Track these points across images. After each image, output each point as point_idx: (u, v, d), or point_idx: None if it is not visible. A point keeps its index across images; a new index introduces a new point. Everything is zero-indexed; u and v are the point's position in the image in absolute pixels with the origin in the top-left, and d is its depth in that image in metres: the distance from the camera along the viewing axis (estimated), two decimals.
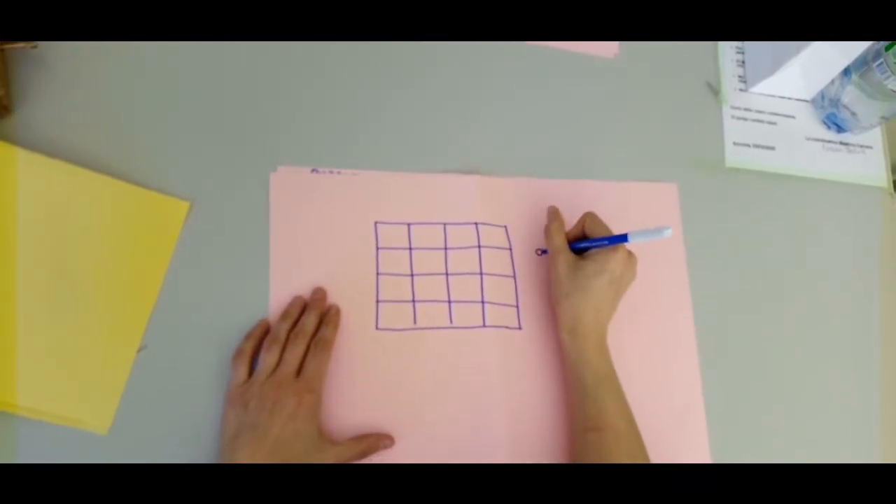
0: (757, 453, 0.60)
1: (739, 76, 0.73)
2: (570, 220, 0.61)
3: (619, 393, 0.53)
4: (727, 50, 0.74)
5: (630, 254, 0.55)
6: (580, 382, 0.52)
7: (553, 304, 0.56)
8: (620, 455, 0.49)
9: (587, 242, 0.56)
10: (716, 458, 0.59)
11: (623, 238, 0.53)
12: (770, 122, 0.72)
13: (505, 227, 0.61)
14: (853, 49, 0.65)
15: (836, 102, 0.71)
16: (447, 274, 0.58)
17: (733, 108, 0.72)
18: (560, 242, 0.56)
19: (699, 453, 0.59)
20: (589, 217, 0.57)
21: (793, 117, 0.73)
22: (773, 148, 0.71)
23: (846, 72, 0.68)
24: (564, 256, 0.55)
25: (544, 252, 0.61)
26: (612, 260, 0.53)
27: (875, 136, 0.74)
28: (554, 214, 0.59)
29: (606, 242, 0.54)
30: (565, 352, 0.54)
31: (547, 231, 0.58)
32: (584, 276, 0.53)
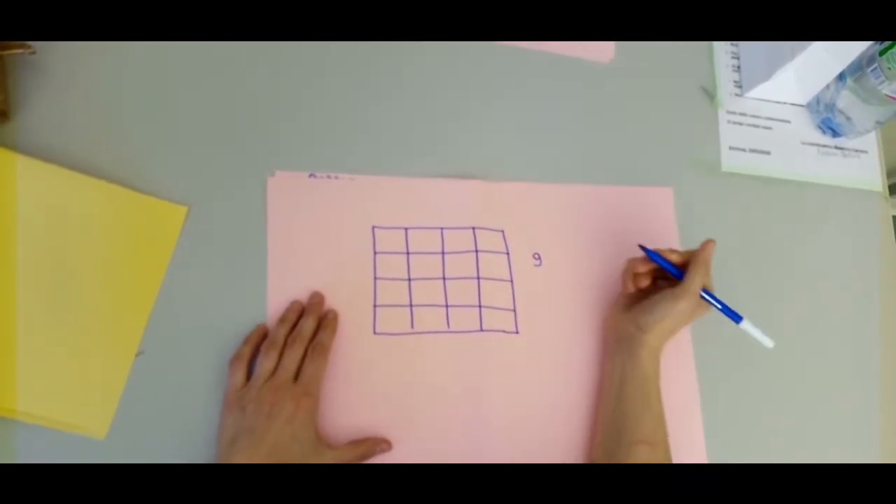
0: (754, 456, 0.60)
1: (735, 81, 0.74)
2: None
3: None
4: (722, 55, 0.75)
5: None
6: (649, 397, 0.53)
7: (646, 322, 0.54)
8: None
9: (711, 298, 0.55)
10: (713, 460, 0.59)
11: (737, 317, 0.55)
12: (765, 127, 0.73)
13: (502, 231, 0.61)
14: (848, 54, 0.65)
15: (831, 107, 0.71)
16: (444, 278, 0.58)
17: (729, 112, 0.72)
18: (698, 287, 0.54)
19: (696, 455, 0.59)
20: (704, 266, 0.55)
21: (788, 122, 0.73)
22: (768, 152, 0.71)
23: (841, 77, 0.69)
24: (693, 299, 0.54)
25: (648, 252, 0.57)
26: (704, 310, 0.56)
27: (870, 141, 0.75)
28: (706, 257, 0.55)
29: (723, 310, 0.55)
30: (642, 369, 0.54)
31: (694, 273, 0.54)
32: (690, 318, 0.55)
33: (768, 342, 0.55)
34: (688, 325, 0.58)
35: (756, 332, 0.55)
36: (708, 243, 0.56)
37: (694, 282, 0.54)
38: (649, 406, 0.53)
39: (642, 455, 0.51)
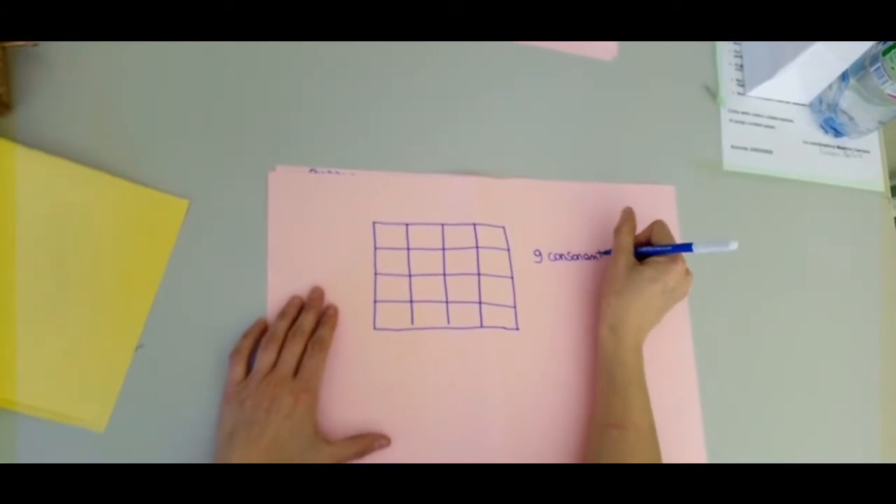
0: (754, 456, 0.60)
1: (738, 80, 0.74)
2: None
3: (646, 396, 0.53)
4: (725, 53, 0.75)
5: (688, 271, 0.56)
6: (611, 379, 0.53)
7: (600, 298, 0.57)
8: (637, 454, 0.50)
9: (651, 248, 0.56)
10: (713, 460, 0.59)
11: (687, 247, 0.53)
12: (768, 126, 0.72)
13: (503, 227, 0.61)
14: (851, 53, 0.65)
15: (833, 107, 0.71)
16: (445, 274, 0.58)
17: (731, 111, 0.72)
18: (627, 242, 0.57)
19: (695, 455, 0.59)
20: (658, 225, 0.57)
21: (790, 121, 0.73)
22: (770, 151, 0.71)
23: (844, 76, 0.69)
24: (626, 256, 0.56)
25: (605, 253, 0.62)
26: (670, 271, 0.54)
27: (872, 141, 0.75)
28: (628, 215, 0.59)
29: (670, 249, 0.55)
30: (602, 347, 0.55)
31: (618, 229, 0.58)
32: (639, 279, 0.54)
33: (732, 245, 0.50)
34: (675, 313, 0.58)
35: (714, 247, 0.52)
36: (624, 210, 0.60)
37: (619, 239, 0.57)
38: (615, 389, 0.52)
39: (612, 439, 0.51)
